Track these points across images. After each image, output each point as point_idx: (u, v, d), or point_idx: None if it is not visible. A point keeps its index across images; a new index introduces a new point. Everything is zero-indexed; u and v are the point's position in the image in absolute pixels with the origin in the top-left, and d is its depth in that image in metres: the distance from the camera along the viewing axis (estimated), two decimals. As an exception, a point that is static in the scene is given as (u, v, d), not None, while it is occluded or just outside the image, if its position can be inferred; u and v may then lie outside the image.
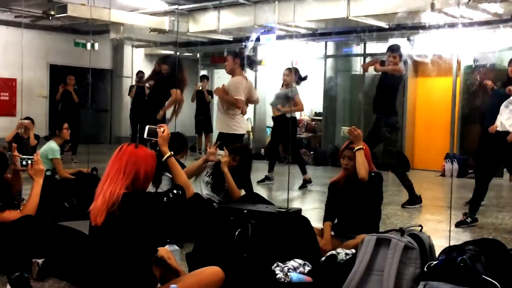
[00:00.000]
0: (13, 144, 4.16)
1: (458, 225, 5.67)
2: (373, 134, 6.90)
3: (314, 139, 12.71)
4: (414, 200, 6.78)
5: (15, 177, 3.96)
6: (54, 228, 3.91)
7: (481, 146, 6.23)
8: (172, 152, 3.09)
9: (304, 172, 8.25)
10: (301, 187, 8.13)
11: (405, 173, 6.93)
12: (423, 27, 9.62)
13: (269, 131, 13.58)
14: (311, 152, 12.05)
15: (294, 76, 8.33)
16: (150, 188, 4.30)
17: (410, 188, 6.80)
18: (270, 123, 13.33)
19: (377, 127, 6.89)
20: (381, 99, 6.89)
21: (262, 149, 12.61)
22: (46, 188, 4.06)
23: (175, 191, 2.85)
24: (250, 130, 13.67)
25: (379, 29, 10.59)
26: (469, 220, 5.72)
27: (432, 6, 8.40)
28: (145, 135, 3.15)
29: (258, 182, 8.33)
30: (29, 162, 3.83)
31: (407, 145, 11.11)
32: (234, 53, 6.67)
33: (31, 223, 3.62)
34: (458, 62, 10.17)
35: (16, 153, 3.84)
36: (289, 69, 8.47)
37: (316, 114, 13.15)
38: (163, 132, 3.13)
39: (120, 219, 2.67)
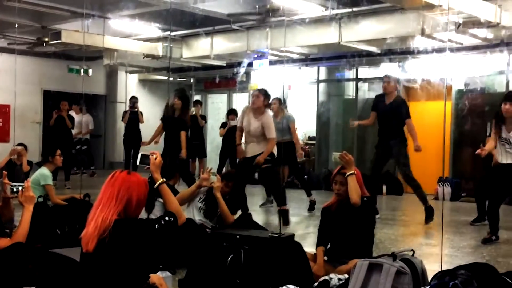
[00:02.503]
0: (4, 171, 4.15)
1: (484, 242, 6.01)
2: (383, 158, 7.47)
3: (308, 163, 12.72)
4: (430, 212, 7.12)
5: (6, 204, 3.93)
6: (45, 255, 3.87)
7: (491, 174, 6.51)
8: (164, 179, 3.11)
9: (309, 194, 8.40)
10: (310, 209, 8.25)
11: (420, 187, 7.32)
12: (414, 52, 9.74)
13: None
14: (305, 176, 12.04)
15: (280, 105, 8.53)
16: (143, 214, 4.30)
17: (425, 200, 7.20)
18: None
19: (388, 152, 7.35)
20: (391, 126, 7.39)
21: (256, 174, 12.59)
22: (37, 215, 4.04)
23: (166, 218, 2.86)
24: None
25: (371, 54, 10.71)
26: (493, 238, 6.07)
27: (423, 31, 8.51)
28: (137, 162, 3.19)
29: (261, 205, 8.56)
30: (20, 188, 3.81)
31: (400, 169, 11.12)
32: (264, 91, 7.01)
33: (21, 250, 3.59)
34: (448, 87, 10.27)
35: (6, 180, 3.82)
36: (277, 99, 8.58)
37: (310, 138, 13.20)
38: (155, 159, 3.14)
39: (111, 246, 2.67)
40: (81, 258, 2.81)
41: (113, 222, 2.70)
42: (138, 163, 3.21)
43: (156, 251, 2.93)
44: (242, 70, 11.08)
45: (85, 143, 12.80)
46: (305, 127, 13.00)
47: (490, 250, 5.78)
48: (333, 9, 8.97)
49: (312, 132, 13.02)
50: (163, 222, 2.82)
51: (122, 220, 2.74)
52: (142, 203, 2.87)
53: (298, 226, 7.18)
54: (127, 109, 12.34)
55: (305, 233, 6.57)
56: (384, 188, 10.52)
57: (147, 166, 3.16)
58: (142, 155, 3.21)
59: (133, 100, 12.18)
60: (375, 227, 4.47)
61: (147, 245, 2.77)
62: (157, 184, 3.09)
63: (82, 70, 12.52)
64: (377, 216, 7.63)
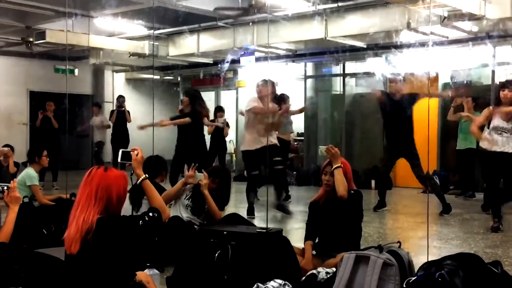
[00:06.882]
0: (-9, 171, 4.12)
1: (494, 230, 6.21)
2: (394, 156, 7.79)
3: (297, 159, 12.72)
4: (447, 208, 7.37)
5: (-9, 205, 3.90)
6: (31, 255, 3.84)
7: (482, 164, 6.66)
8: (146, 175, 3.08)
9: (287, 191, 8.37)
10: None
11: (438, 184, 7.54)
12: (400, 46, 9.76)
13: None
14: (294, 173, 12.05)
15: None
16: (128, 208, 4.27)
17: (442, 197, 7.45)
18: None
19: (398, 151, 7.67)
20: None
21: (245, 171, 12.58)
22: (23, 215, 4.01)
23: (150, 214, 2.83)
24: (233, 152, 13.67)
25: (357, 49, 10.71)
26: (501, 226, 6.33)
27: (408, 25, 8.53)
28: (119, 159, 3.15)
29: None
30: (6, 188, 3.77)
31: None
32: (267, 81, 7.27)
33: (4, 251, 3.56)
34: (430, 80, 10.29)
35: (-8, 180, 3.80)
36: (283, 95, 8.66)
37: (298, 134, 13.19)
38: (137, 155, 3.12)
39: (95, 246, 2.64)
40: (65, 259, 2.78)
41: (95, 222, 2.67)
42: (119, 160, 3.15)
43: (142, 248, 2.91)
44: (226, 65, 11.03)
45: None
46: (293, 123, 12.97)
47: (478, 241, 5.81)
48: (318, 4, 8.96)
49: (301, 128, 13.01)
50: (147, 218, 2.80)
51: (105, 218, 2.71)
52: (123, 198, 2.83)
53: (286, 221, 7.17)
54: (115, 108, 12.28)
55: (293, 228, 6.57)
56: (373, 182, 10.53)
57: (129, 163, 3.12)
58: (122, 151, 3.14)
59: (120, 99, 12.11)
60: (363, 220, 4.48)
61: (132, 242, 2.75)
62: (139, 180, 3.06)
63: (67, 70, 12.43)
64: (385, 208, 7.88)
